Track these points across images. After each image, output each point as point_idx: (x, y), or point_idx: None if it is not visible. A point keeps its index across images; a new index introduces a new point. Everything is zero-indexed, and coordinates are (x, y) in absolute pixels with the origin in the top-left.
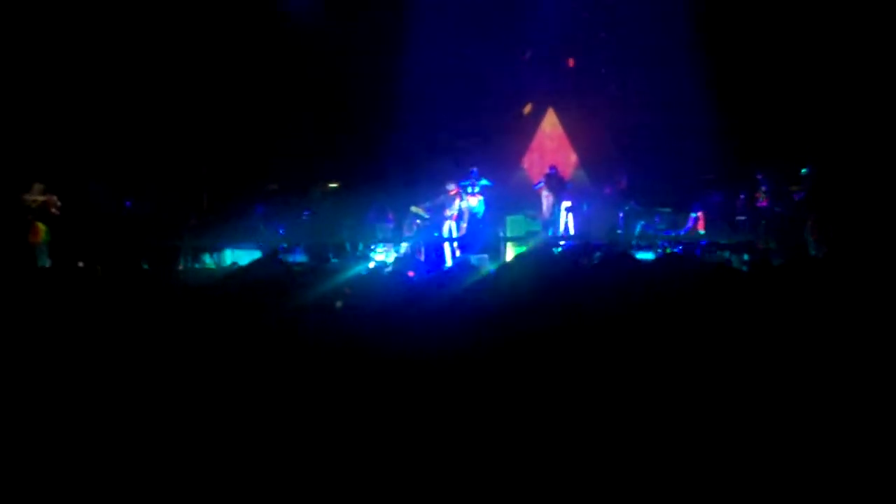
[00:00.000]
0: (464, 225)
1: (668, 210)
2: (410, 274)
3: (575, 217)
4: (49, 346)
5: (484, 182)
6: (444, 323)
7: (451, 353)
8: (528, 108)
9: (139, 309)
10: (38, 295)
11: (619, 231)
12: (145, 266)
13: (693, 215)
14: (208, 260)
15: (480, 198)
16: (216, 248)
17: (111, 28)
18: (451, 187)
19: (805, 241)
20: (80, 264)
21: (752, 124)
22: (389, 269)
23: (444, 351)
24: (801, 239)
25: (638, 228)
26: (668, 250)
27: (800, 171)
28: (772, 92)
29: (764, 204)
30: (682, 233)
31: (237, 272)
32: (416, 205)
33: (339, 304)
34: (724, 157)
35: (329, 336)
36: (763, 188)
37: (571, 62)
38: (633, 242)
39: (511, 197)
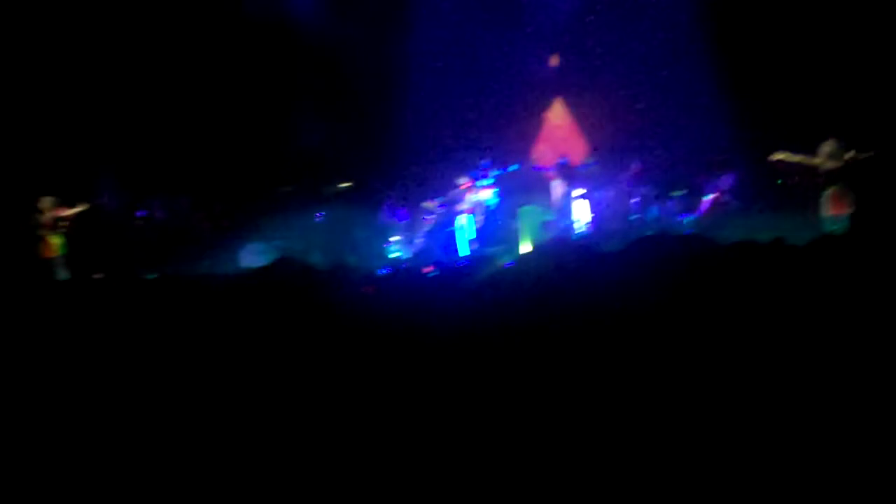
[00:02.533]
0: (477, 217)
1: (682, 193)
2: (427, 269)
3: (588, 205)
4: (70, 358)
5: (496, 173)
6: (463, 317)
7: (469, 344)
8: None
9: (158, 317)
10: (58, 308)
11: (634, 217)
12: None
13: (707, 197)
14: (223, 264)
15: (493, 190)
16: (231, 253)
17: (120, 36)
18: (464, 181)
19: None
20: (98, 276)
21: (765, 101)
22: (406, 265)
23: (462, 342)
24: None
25: (652, 213)
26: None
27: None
28: (784, 69)
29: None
30: (697, 216)
31: (257, 273)
32: (429, 200)
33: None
34: (738, 136)
35: (352, 332)
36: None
37: (576, 51)
38: (649, 229)
39: (523, 188)
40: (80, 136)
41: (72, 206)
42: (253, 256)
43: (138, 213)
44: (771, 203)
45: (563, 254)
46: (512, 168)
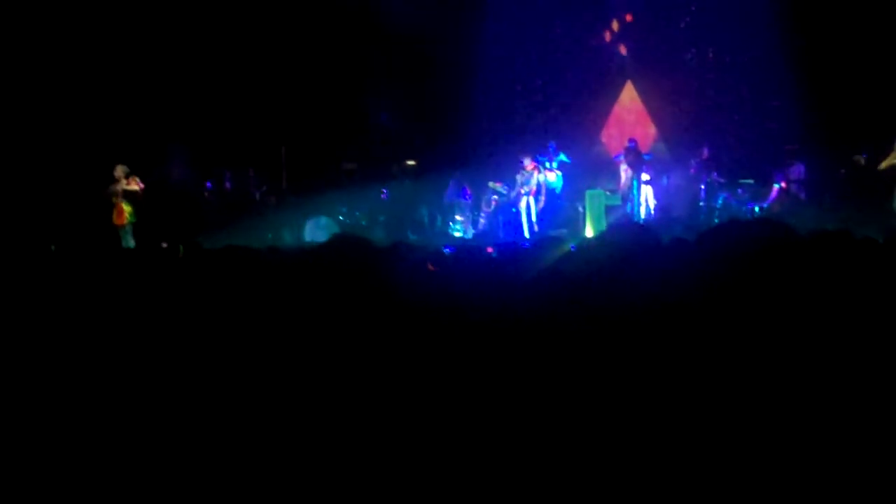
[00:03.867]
0: (542, 199)
1: (750, 182)
2: (489, 249)
3: (655, 190)
4: (135, 325)
5: (562, 158)
6: (526, 299)
7: (531, 326)
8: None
9: (220, 287)
10: (125, 275)
11: (701, 203)
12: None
13: (776, 186)
14: (287, 238)
15: (559, 173)
16: (296, 227)
17: (185, 10)
18: (528, 162)
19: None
20: (164, 245)
21: (837, 94)
22: (468, 244)
23: (523, 325)
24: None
25: (720, 201)
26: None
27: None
28: (859, 60)
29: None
30: (765, 205)
31: (317, 249)
32: (494, 181)
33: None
34: (808, 126)
35: (412, 310)
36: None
37: (650, 34)
38: (716, 216)
39: (590, 172)
40: (155, 105)
41: (141, 175)
42: (317, 231)
43: (207, 185)
44: (840, 195)
45: (630, 240)
46: (562, 158)
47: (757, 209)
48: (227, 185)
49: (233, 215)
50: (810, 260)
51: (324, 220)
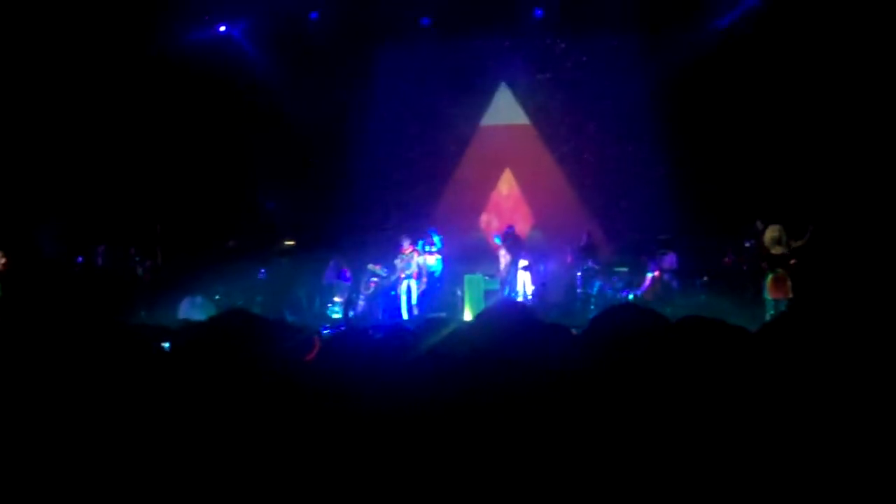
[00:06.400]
0: (423, 282)
1: (625, 269)
2: (369, 332)
3: (532, 276)
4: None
5: (437, 245)
6: (408, 381)
7: (419, 409)
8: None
9: (101, 364)
10: None
11: (578, 290)
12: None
13: (650, 275)
14: (160, 316)
15: (438, 256)
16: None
17: (62, 76)
18: (406, 245)
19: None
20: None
21: (709, 184)
22: (345, 326)
23: (410, 408)
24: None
25: (596, 288)
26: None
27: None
28: (731, 151)
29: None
30: (639, 292)
31: (199, 325)
32: (374, 263)
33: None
34: (681, 216)
35: (295, 394)
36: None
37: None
38: (592, 303)
39: (468, 257)
40: (30, 179)
41: (6, 248)
42: (192, 309)
43: (78, 259)
44: (711, 284)
45: (511, 322)
46: (436, 242)
47: (631, 297)
48: (99, 260)
49: (104, 291)
50: (679, 345)
51: (199, 298)
